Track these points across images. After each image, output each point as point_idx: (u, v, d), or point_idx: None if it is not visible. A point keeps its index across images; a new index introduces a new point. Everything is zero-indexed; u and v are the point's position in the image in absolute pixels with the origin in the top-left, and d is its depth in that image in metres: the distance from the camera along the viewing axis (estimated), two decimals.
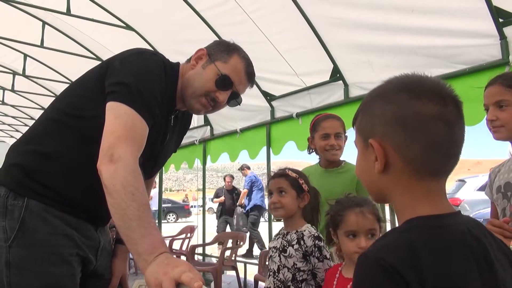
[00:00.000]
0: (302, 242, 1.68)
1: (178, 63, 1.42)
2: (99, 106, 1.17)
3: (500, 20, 2.58)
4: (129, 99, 1.14)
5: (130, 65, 1.22)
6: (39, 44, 5.16)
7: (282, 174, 1.81)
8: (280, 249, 1.74)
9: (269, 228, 4.67)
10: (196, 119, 5.57)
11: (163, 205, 8.34)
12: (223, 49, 1.38)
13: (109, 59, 1.28)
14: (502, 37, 2.61)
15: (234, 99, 1.42)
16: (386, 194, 0.75)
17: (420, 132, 0.68)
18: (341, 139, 2.24)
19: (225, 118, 5.10)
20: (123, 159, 1.05)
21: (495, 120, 1.45)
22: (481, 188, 10.05)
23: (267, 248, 1.91)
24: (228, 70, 1.35)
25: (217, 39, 2.86)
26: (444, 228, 0.68)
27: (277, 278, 1.71)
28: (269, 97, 4.41)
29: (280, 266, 1.71)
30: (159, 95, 1.23)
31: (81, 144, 1.22)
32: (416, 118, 0.68)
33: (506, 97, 1.42)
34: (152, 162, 1.39)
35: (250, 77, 1.41)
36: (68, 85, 1.39)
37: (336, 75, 3.69)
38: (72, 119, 1.24)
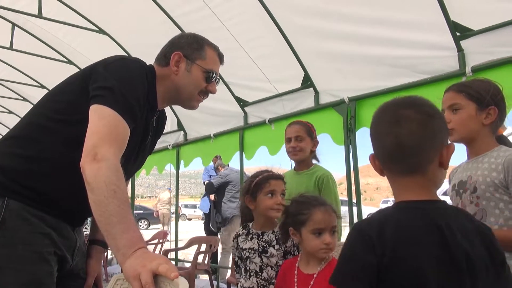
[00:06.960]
0: (281, 242, 1.76)
1: (151, 65, 1.50)
2: (83, 110, 1.22)
3: (457, 33, 2.77)
4: (113, 102, 1.20)
5: (114, 70, 1.27)
6: (8, 46, 5.06)
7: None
8: (260, 250, 1.79)
9: None
10: (170, 124, 5.54)
11: (134, 212, 8.16)
12: (195, 46, 1.49)
13: (93, 65, 1.33)
14: (459, 49, 2.80)
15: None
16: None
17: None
18: (303, 141, 2.40)
19: (199, 123, 5.13)
20: (107, 159, 1.10)
21: (448, 123, 1.58)
22: (446, 193, 10.44)
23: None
24: (210, 64, 1.49)
25: None
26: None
27: (260, 277, 1.77)
28: (242, 103, 4.48)
29: (262, 266, 1.77)
30: (141, 98, 1.30)
31: (65, 147, 1.26)
32: None
33: (457, 100, 1.56)
34: (131, 162, 1.44)
35: (222, 59, 1.57)
36: (48, 90, 1.42)
37: (307, 82, 3.81)
38: (56, 124, 1.28)
